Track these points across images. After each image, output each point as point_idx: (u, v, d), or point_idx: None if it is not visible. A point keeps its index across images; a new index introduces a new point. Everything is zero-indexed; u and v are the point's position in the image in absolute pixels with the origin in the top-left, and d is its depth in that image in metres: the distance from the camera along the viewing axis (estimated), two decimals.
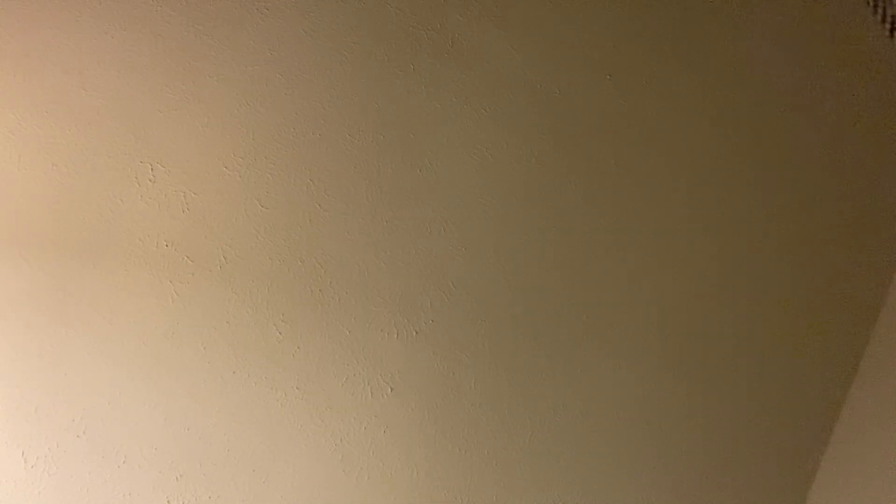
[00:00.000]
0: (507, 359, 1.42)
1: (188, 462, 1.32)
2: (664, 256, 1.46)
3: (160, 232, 1.33)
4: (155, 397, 1.31)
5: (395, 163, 1.39)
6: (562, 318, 1.43)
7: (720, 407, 1.47)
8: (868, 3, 1.37)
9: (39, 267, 1.30)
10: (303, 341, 1.36)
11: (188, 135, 1.35)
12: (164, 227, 1.33)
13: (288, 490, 1.34)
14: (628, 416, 1.45)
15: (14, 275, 1.29)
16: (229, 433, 1.33)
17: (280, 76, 1.37)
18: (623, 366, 1.45)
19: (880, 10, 1.33)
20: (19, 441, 1.28)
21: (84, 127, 1.33)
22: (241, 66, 1.37)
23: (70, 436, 1.29)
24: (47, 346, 1.30)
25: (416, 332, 1.39)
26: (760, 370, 1.48)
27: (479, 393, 1.41)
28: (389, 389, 1.38)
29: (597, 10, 1.44)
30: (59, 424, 1.29)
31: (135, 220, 1.33)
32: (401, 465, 1.38)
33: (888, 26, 1.34)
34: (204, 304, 1.34)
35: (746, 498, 1.48)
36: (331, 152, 1.38)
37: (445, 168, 1.41)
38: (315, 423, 1.36)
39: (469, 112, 1.41)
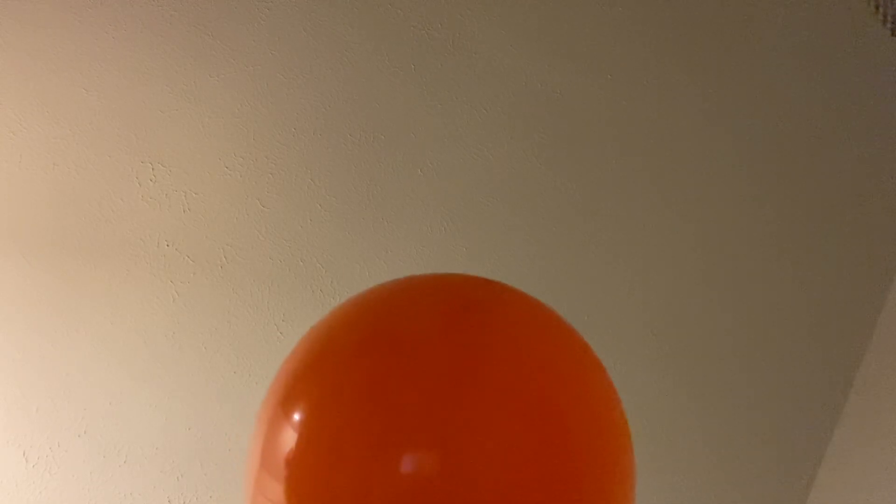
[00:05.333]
0: None
1: (189, 462, 1.32)
2: (664, 256, 1.46)
3: (161, 232, 1.33)
4: (156, 397, 1.31)
5: (395, 163, 1.39)
6: None
7: (720, 408, 1.48)
8: (869, 3, 1.36)
9: (40, 266, 1.30)
10: None
11: (189, 135, 1.35)
12: (165, 226, 1.34)
13: None
14: (629, 418, 1.45)
15: (14, 274, 1.30)
16: (230, 433, 1.33)
17: (280, 76, 1.37)
18: (623, 367, 1.45)
19: (881, 11, 1.33)
20: (20, 441, 1.28)
21: (84, 127, 1.33)
22: (242, 66, 1.36)
23: (71, 435, 1.29)
24: (48, 345, 1.30)
25: None
26: (761, 371, 1.48)
27: None
28: None
29: (597, 10, 1.44)
30: (59, 424, 1.29)
31: (135, 220, 1.33)
32: None
33: (889, 26, 1.34)
34: (205, 303, 1.34)
35: (747, 499, 1.48)
36: (331, 152, 1.38)
37: (445, 168, 1.41)
38: None
39: (469, 112, 1.41)
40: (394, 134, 1.39)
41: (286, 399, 0.56)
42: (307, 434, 0.52)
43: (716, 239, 1.47)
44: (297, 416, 0.54)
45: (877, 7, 1.34)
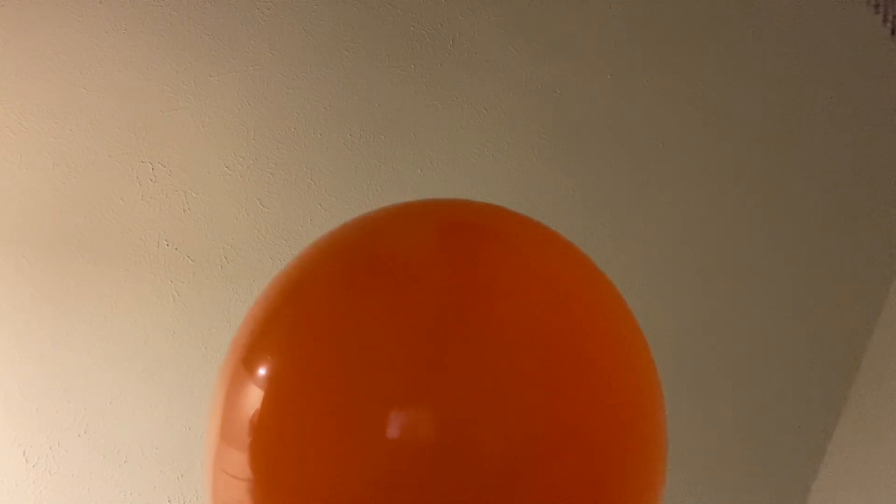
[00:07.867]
0: None
1: (189, 461, 1.32)
2: (663, 256, 1.46)
3: (161, 232, 1.33)
4: (156, 397, 1.31)
5: (395, 163, 1.39)
6: None
7: (719, 408, 1.48)
8: (868, 2, 1.37)
9: (40, 267, 1.30)
10: None
11: (189, 134, 1.35)
12: (165, 226, 1.34)
13: None
14: None
15: (15, 275, 1.30)
16: None
17: (280, 76, 1.37)
18: None
19: (881, 10, 1.33)
20: (20, 440, 1.28)
21: (85, 126, 1.33)
22: (242, 66, 1.37)
23: (71, 435, 1.29)
24: (48, 345, 1.30)
25: None
26: (760, 371, 1.48)
27: None
28: None
29: (597, 9, 1.44)
30: (60, 424, 1.29)
31: (135, 220, 1.33)
32: None
33: (889, 26, 1.34)
34: (205, 303, 1.34)
35: (747, 499, 1.48)
36: (331, 152, 1.38)
37: (445, 168, 1.41)
38: None
39: (469, 112, 1.41)
40: (394, 134, 1.39)
41: (250, 351, 0.45)
42: (274, 392, 0.42)
43: (715, 238, 1.47)
44: (262, 371, 0.43)
45: (877, 7, 1.34)
